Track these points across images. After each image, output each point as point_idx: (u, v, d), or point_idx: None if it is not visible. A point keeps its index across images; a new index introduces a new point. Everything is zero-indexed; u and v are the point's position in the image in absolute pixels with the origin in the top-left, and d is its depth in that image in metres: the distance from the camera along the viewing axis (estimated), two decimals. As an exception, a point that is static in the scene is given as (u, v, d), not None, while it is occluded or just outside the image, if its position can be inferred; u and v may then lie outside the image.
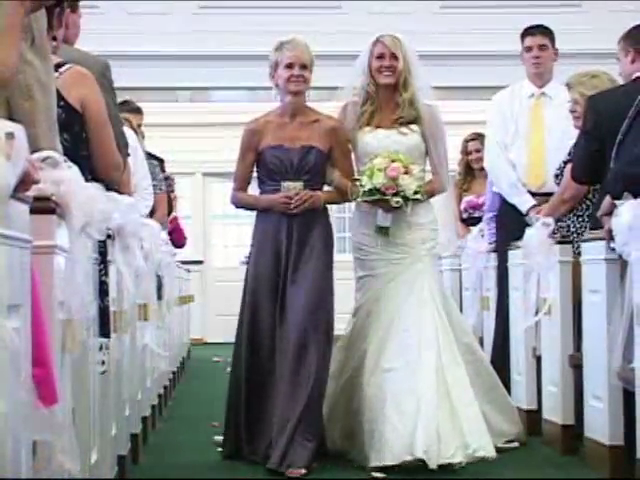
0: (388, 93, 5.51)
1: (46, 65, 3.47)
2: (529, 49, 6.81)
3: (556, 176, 6.13)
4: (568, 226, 5.90)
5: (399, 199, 5.26)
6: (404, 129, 5.48)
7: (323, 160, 5.39)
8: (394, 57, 5.44)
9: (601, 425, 5.01)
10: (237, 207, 5.62)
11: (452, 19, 11.74)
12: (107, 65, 4.58)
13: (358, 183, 5.35)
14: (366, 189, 5.28)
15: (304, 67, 5.30)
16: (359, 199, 5.37)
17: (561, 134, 6.64)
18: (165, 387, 7.67)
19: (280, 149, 5.33)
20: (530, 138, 6.75)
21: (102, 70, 4.44)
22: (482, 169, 7.42)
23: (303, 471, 4.98)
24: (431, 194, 5.54)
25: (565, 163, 6.01)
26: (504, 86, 7.11)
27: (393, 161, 5.28)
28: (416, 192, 5.28)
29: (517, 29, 7.02)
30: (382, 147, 5.39)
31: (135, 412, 5.40)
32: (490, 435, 5.31)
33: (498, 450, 5.30)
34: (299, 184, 5.32)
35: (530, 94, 6.80)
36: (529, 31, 6.86)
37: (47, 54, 3.49)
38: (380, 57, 5.45)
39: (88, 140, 4.16)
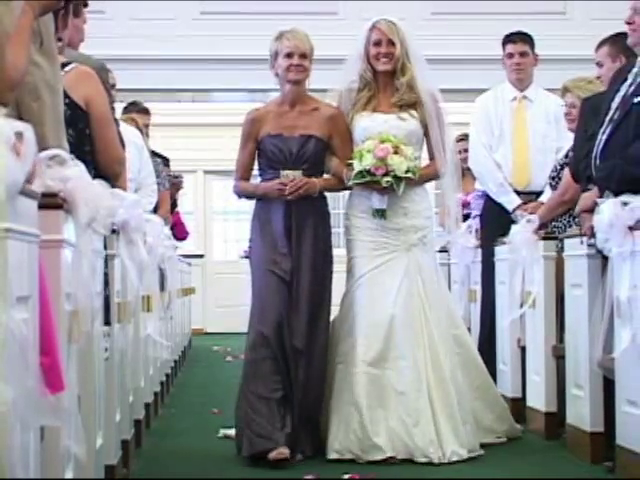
0: (386, 78, 5.27)
1: (53, 67, 3.46)
2: (511, 55, 6.80)
3: (552, 178, 6.07)
4: (564, 226, 5.87)
5: (389, 178, 5.04)
6: (404, 114, 5.25)
7: (322, 149, 5.22)
8: (391, 43, 5.21)
9: (582, 412, 5.02)
10: (240, 197, 5.41)
11: (442, 25, 11.74)
12: (102, 67, 4.52)
13: (351, 167, 5.15)
14: (356, 171, 5.08)
15: (304, 56, 5.14)
16: (350, 182, 5.16)
17: (543, 136, 6.68)
18: (167, 375, 7.66)
19: (279, 138, 5.18)
20: (514, 139, 6.74)
21: (96, 72, 4.40)
22: (470, 168, 7.41)
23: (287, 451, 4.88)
24: (426, 178, 5.29)
25: (562, 166, 5.97)
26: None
27: (382, 142, 5.07)
28: (407, 171, 5.05)
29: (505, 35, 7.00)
30: (380, 131, 5.16)
31: (138, 399, 5.39)
32: (478, 431, 5.20)
33: (484, 445, 5.16)
34: (298, 173, 5.15)
35: (512, 97, 6.80)
36: (510, 38, 6.84)
37: (55, 56, 3.49)
38: (377, 44, 5.23)
39: (92, 136, 4.13)
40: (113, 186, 4.10)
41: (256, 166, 5.37)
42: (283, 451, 4.85)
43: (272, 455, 4.84)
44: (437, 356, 5.08)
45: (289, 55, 5.14)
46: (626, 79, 4.84)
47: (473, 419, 5.20)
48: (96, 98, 4.11)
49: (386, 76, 5.28)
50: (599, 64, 5.72)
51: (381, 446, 4.91)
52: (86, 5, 4.85)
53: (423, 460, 4.89)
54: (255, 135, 5.25)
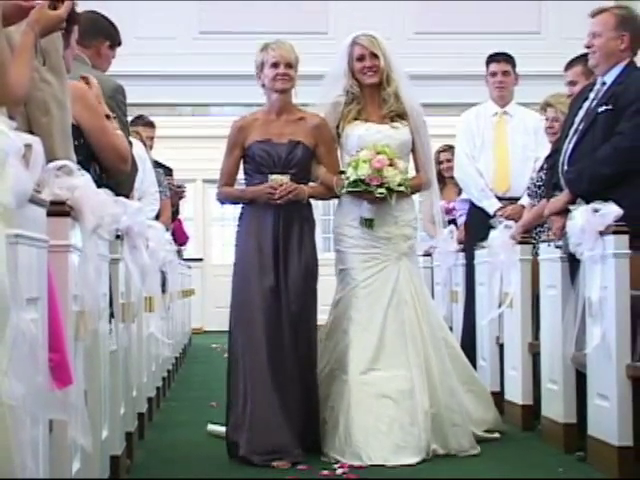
0: (372, 91, 5.13)
1: (62, 83, 3.46)
2: (494, 74, 6.79)
3: (538, 187, 6.05)
4: (547, 230, 5.85)
5: (383, 190, 4.89)
6: (396, 123, 5.11)
7: (309, 156, 5.01)
8: (374, 56, 5.07)
9: (556, 405, 5.03)
10: (223, 203, 5.24)
11: (424, 44, 11.79)
12: (117, 87, 4.47)
13: (343, 176, 5.01)
14: (351, 180, 4.93)
15: (289, 66, 4.95)
16: (344, 190, 4.99)
17: (522, 147, 6.71)
18: (168, 371, 7.65)
19: (268, 143, 4.99)
20: (495, 150, 6.77)
21: (111, 92, 4.36)
22: (452, 177, 7.44)
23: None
24: (417, 189, 5.19)
25: (546, 174, 5.95)
26: (472, 103, 7.13)
27: (378, 153, 4.93)
28: (400, 184, 4.93)
29: (483, 53, 7.01)
30: (374, 140, 5.03)
31: (141, 393, 5.38)
32: (473, 425, 5.08)
33: (478, 440, 5.01)
34: (286, 177, 4.95)
35: (494, 113, 6.82)
36: (494, 58, 6.84)
37: (63, 73, 3.49)
38: (360, 59, 5.09)
39: (91, 145, 4.05)
40: (118, 194, 4.06)
41: (241, 173, 5.15)
42: (287, 463, 4.67)
43: (277, 464, 4.66)
44: (429, 362, 4.93)
45: (275, 65, 4.97)
46: (587, 98, 4.86)
47: (466, 416, 5.03)
48: (83, 109, 4.02)
49: (372, 88, 5.16)
50: (572, 83, 5.69)
51: (360, 454, 4.68)
52: (120, 44, 4.88)
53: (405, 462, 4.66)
54: (242, 142, 5.04)
